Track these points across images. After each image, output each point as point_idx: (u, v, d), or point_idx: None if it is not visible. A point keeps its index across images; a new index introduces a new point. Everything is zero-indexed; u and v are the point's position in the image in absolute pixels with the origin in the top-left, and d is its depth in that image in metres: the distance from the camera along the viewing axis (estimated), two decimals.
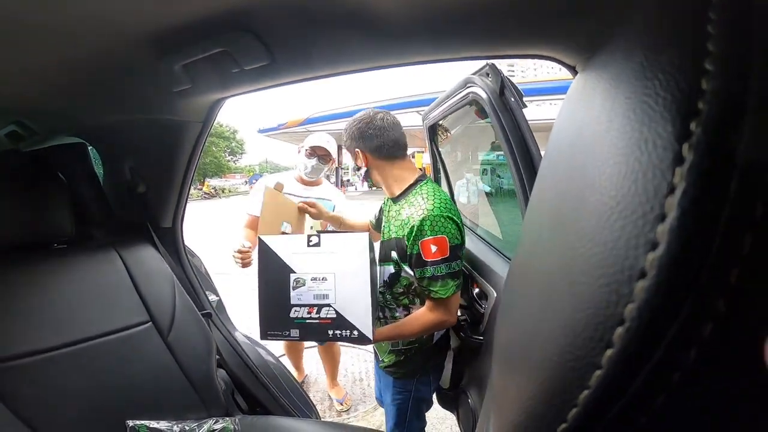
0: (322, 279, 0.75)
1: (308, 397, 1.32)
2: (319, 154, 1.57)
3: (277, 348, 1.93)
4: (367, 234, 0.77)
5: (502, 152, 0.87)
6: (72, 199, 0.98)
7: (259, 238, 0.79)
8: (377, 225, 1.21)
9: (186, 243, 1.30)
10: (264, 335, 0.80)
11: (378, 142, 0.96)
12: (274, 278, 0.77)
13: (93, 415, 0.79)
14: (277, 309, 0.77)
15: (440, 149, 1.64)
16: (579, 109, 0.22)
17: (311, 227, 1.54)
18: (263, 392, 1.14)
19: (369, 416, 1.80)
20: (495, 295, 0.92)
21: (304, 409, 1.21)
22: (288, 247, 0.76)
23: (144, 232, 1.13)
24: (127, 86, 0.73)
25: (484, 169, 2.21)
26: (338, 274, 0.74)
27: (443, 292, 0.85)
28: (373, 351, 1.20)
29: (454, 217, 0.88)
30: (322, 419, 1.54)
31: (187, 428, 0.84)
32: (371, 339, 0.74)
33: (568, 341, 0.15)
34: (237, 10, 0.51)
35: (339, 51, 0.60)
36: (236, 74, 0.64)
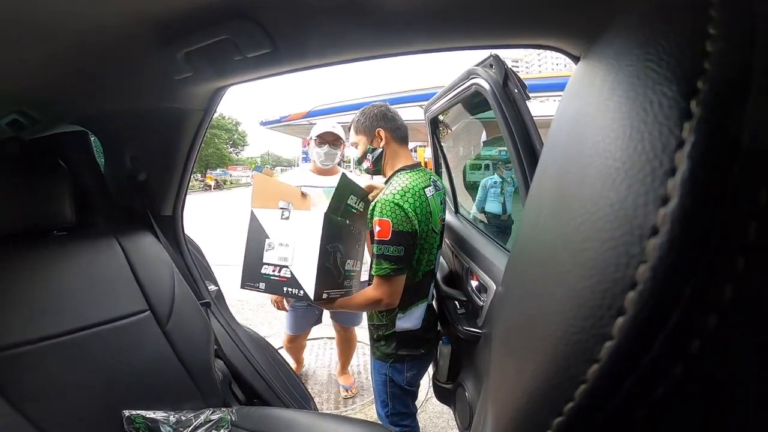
0: (285, 245, 0.90)
1: (306, 388, 1.33)
2: (328, 140, 1.58)
3: (276, 341, 1.94)
4: (322, 213, 0.88)
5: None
6: (73, 187, 0.98)
7: (252, 211, 0.95)
8: None
9: (186, 232, 1.30)
10: (243, 285, 0.95)
11: (397, 124, 1.07)
12: (255, 240, 0.93)
13: (89, 404, 0.79)
14: (253, 265, 0.93)
15: (443, 142, 1.63)
16: (581, 90, 0.22)
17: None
18: (261, 383, 1.14)
19: (366, 409, 1.81)
20: (494, 287, 0.92)
21: (302, 400, 1.21)
22: (268, 218, 0.93)
23: (144, 220, 1.13)
24: (129, 74, 0.73)
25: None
26: (297, 243, 0.89)
27: (375, 270, 0.95)
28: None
29: (405, 205, 0.94)
30: (320, 411, 1.55)
31: (183, 418, 0.84)
32: (312, 299, 0.86)
33: (572, 314, 0.14)
34: None
35: (340, 39, 0.59)
36: (238, 62, 0.63)
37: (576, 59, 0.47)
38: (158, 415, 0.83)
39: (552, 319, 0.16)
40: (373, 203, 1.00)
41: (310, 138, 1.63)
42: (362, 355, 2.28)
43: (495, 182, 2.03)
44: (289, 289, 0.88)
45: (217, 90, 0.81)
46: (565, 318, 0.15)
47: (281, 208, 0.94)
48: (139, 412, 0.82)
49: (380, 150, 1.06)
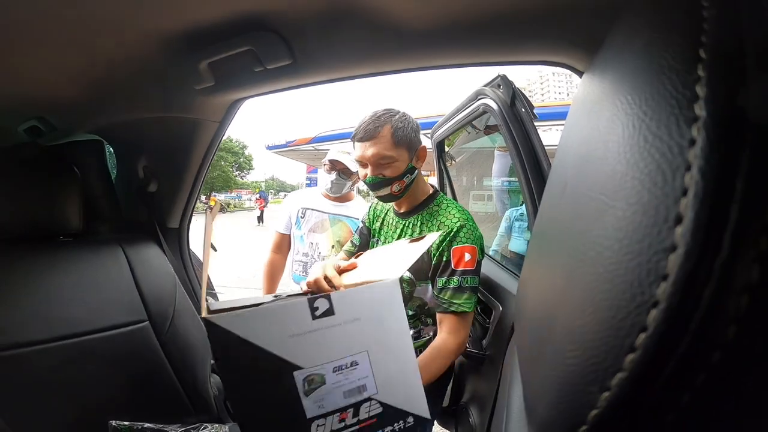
0: (352, 365, 0.47)
1: None
2: (338, 168, 1.48)
3: None
4: (397, 279, 0.51)
5: None
6: (83, 194, 0.99)
7: (206, 321, 0.40)
8: (363, 251, 1.00)
9: (191, 247, 1.30)
10: None
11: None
12: (261, 387, 0.44)
13: (73, 412, 0.77)
14: None
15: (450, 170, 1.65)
16: (583, 106, 0.23)
17: (332, 246, 1.49)
18: None
19: None
20: (500, 309, 0.91)
21: None
22: (273, 329, 0.43)
23: (151, 231, 1.13)
24: (151, 83, 0.76)
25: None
26: (373, 348, 0.48)
27: (468, 306, 0.78)
28: None
29: (480, 231, 0.84)
30: None
31: None
32: (430, 417, 0.51)
33: (605, 303, 0.14)
34: (264, 10, 0.54)
35: (356, 53, 0.62)
36: (258, 73, 0.66)
37: (581, 75, 0.49)
38: (147, 427, 0.80)
39: (584, 308, 0.16)
40: (447, 231, 0.81)
41: (324, 161, 1.54)
42: None
43: (522, 214, 1.69)
44: (388, 429, 0.49)
45: (235, 102, 0.83)
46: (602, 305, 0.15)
47: (308, 298, 0.45)
48: (126, 423, 0.78)
49: (416, 173, 0.87)
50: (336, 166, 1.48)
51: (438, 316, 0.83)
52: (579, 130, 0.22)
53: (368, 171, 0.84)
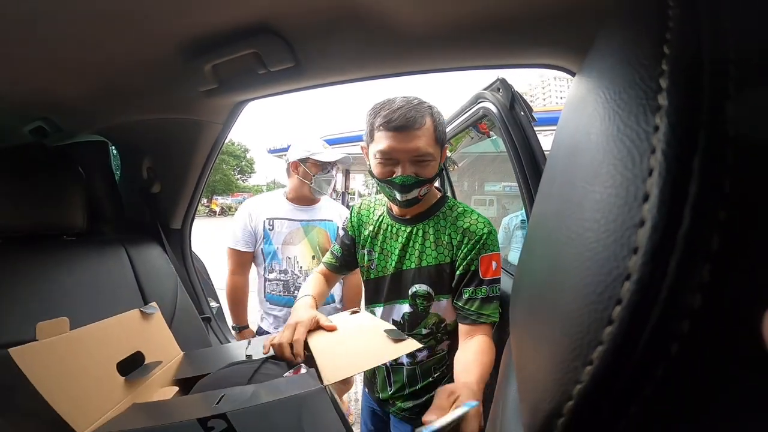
0: None
1: None
2: (327, 166, 1.35)
3: None
4: (321, 388, 0.48)
5: None
6: (87, 194, 1.00)
7: None
8: (346, 262, 0.93)
9: (193, 248, 1.31)
10: None
11: None
12: None
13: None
14: None
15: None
16: (574, 107, 0.24)
17: (312, 257, 1.35)
18: None
19: None
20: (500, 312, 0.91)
21: None
22: None
23: (153, 231, 1.14)
24: (156, 85, 0.77)
25: None
26: None
27: (496, 316, 0.73)
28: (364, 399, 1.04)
29: None
30: None
31: None
32: None
33: (587, 280, 0.15)
34: (268, 13, 0.55)
35: (359, 57, 0.64)
36: (261, 76, 0.67)
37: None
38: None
39: (566, 288, 0.17)
40: (471, 241, 0.74)
41: (301, 159, 1.33)
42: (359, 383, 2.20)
43: (523, 221, 1.58)
44: None
45: (238, 104, 0.85)
46: (580, 284, 0.16)
47: (201, 419, 0.41)
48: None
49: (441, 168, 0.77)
50: (326, 166, 1.34)
51: (464, 327, 0.75)
52: (568, 126, 0.24)
53: (398, 169, 0.71)
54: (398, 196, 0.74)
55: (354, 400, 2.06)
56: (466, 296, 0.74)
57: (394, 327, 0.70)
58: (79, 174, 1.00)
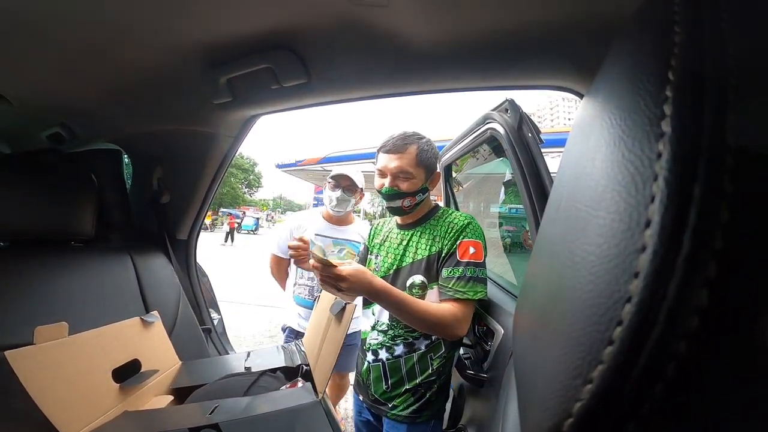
0: None
1: None
2: (343, 185, 1.46)
3: None
4: (317, 401, 0.57)
5: None
6: (98, 202, 1.02)
7: None
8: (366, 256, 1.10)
9: (197, 259, 1.31)
10: None
11: None
12: None
13: None
14: None
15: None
16: (580, 130, 0.24)
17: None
18: None
19: None
20: (502, 332, 0.89)
21: None
22: None
23: (160, 241, 1.15)
24: (172, 96, 0.79)
25: None
26: None
27: (471, 293, 0.82)
28: (358, 403, 1.07)
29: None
30: None
31: None
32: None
33: (590, 302, 0.15)
34: (283, 30, 0.57)
35: (369, 75, 0.65)
36: (274, 91, 0.69)
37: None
38: None
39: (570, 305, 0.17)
40: (452, 232, 0.88)
41: (327, 180, 1.52)
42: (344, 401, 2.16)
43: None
44: None
45: (250, 118, 0.87)
46: (584, 302, 0.16)
47: (191, 428, 0.43)
48: None
49: (427, 194, 0.94)
50: (341, 183, 1.46)
51: (442, 303, 0.85)
52: (574, 150, 0.24)
53: (386, 181, 0.91)
54: (385, 203, 0.95)
55: (345, 418, 2.00)
56: (444, 275, 0.86)
57: (338, 301, 0.80)
58: (92, 181, 1.02)
